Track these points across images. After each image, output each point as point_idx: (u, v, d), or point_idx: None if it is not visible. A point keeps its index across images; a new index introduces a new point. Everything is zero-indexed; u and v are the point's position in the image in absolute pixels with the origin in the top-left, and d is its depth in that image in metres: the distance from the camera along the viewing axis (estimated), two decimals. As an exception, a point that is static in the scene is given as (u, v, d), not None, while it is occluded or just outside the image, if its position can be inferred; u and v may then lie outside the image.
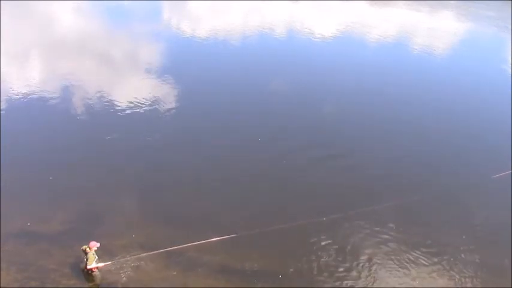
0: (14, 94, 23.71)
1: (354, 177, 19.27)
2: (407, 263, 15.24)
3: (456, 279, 14.82)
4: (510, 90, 29.23)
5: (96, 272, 13.67)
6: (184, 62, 30.38)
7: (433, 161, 21.12)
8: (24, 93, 23.88)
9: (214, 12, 43.96)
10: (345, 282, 14.37)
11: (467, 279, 14.85)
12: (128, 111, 22.85)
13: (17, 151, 19.11)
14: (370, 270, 14.82)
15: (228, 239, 15.05)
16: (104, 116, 22.47)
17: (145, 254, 14.34)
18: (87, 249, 13.43)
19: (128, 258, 14.14)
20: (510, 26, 45.65)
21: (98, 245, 13.58)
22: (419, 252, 15.66)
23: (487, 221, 17.52)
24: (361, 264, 14.98)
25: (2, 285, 13.20)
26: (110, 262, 13.82)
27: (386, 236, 16.22)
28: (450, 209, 18.07)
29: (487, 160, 21.41)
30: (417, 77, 30.98)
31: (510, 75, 33.01)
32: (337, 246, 15.61)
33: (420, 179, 19.71)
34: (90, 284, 13.68)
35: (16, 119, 21.59)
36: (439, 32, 43.59)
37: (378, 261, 15.17)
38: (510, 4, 52.61)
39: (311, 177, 19.08)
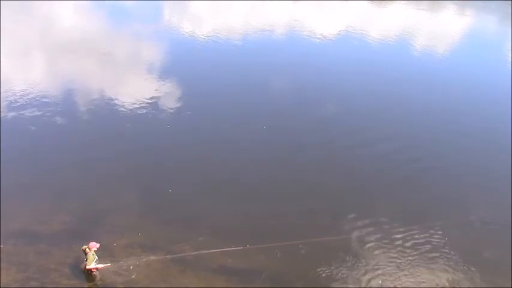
0: (15, 94, 23.68)
1: (368, 184, 19.21)
2: (406, 263, 15.23)
3: (456, 279, 14.82)
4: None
5: (95, 272, 13.68)
6: (186, 62, 30.31)
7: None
8: (25, 93, 23.84)
9: (214, 13, 43.88)
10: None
11: (467, 279, 14.85)
12: (130, 112, 22.83)
13: (17, 151, 19.11)
14: (371, 270, 14.83)
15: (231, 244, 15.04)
16: (106, 116, 22.46)
17: (145, 257, 14.37)
18: (87, 249, 13.44)
19: (129, 261, 14.14)
20: (510, 25, 45.67)
21: (98, 245, 13.58)
22: (419, 252, 15.66)
23: (487, 220, 17.50)
24: (363, 265, 14.99)
25: (2, 285, 13.21)
26: (109, 264, 13.82)
27: (383, 234, 16.22)
28: (450, 209, 18.08)
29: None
30: (419, 77, 31.02)
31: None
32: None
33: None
34: (90, 284, 13.69)
35: (16, 119, 21.58)
36: (441, 30, 43.62)
37: (380, 261, 15.16)
38: (510, 3, 52.58)
39: (328, 184, 18.90)
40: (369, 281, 14.46)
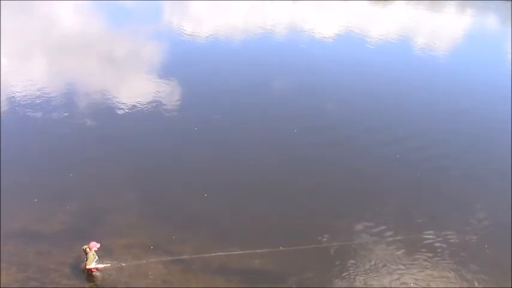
0: (15, 94, 23.71)
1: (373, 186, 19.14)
2: (406, 263, 15.20)
3: (456, 280, 14.80)
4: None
5: (95, 272, 13.67)
6: (186, 62, 30.31)
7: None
8: (25, 93, 23.88)
9: (213, 13, 43.91)
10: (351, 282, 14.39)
11: (467, 279, 14.82)
12: (129, 112, 22.84)
13: (17, 151, 19.12)
14: (371, 270, 14.82)
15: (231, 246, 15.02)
16: (106, 116, 22.47)
17: (146, 257, 14.38)
18: (87, 249, 13.44)
19: (129, 261, 14.14)
20: (510, 25, 45.70)
21: (98, 245, 13.58)
22: (419, 253, 15.64)
23: (487, 220, 17.49)
24: (364, 265, 14.98)
25: (2, 285, 13.20)
26: (109, 264, 13.82)
27: (385, 236, 16.20)
28: (450, 208, 18.08)
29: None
30: (419, 77, 31.00)
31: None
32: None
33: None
34: (90, 284, 13.68)
35: (17, 119, 21.60)
36: (441, 30, 43.65)
37: (380, 262, 15.15)
38: (510, 3, 52.60)
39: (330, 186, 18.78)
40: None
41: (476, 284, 14.67)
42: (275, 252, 15.03)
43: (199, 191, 17.70)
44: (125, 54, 31.26)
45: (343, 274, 14.54)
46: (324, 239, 15.70)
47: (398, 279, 14.59)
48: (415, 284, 14.49)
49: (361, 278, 14.48)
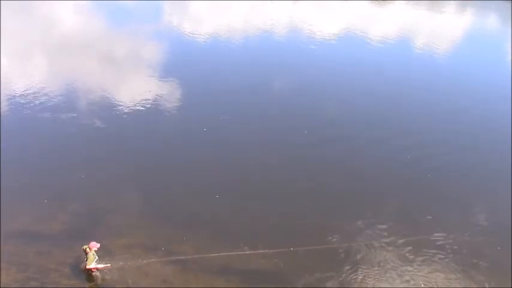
0: (15, 94, 23.70)
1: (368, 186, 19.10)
2: (407, 263, 15.21)
3: (456, 279, 14.81)
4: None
5: (95, 272, 13.68)
6: (187, 62, 30.27)
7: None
8: (26, 93, 23.86)
9: (213, 13, 43.87)
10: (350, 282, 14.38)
11: (467, 279, 14.83)
12: (130, 112, 22.84)
13: (17, 151, 19.12)
14: (373, 270, 14.81)
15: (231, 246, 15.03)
16: (106, 116, 22.42)
17: (146, 257, 14.40)
18: (88, 249, 13.45)
19: (129, 261, 14.15)
20: (510, 25, 45.69)
21: (98, 245, 13.60)
22: (419, 252, 15.63)
23: (487, 221, 17.48)
24: (366, 265, 14.99)
25: (2, 285, 13.21)
26: (109, 264, 13.83)
27: (385, 235, 16.20)
28: (450, 208, 18.07)
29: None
30: (419, 77, 30.99)
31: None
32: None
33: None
34: (90, 284, 13.70)
35: (17, 119, 21.59)
36: (441, 30, 43.65)
37: (382, 262, 15.13)
38: (510, 3, 52.59)
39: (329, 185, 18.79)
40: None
41: (478, 284, 14.67)
42: (276, 252, 15.04)
43: (200, 191, 17.73)
44: (125, 54, 31.26)
45: (345, 274, 14.55)
46: (324, 239, 15.70)
47: (399, 278, 14.60)
48: (419, 283, 14.49)
49: (363, 278, 14.50)
